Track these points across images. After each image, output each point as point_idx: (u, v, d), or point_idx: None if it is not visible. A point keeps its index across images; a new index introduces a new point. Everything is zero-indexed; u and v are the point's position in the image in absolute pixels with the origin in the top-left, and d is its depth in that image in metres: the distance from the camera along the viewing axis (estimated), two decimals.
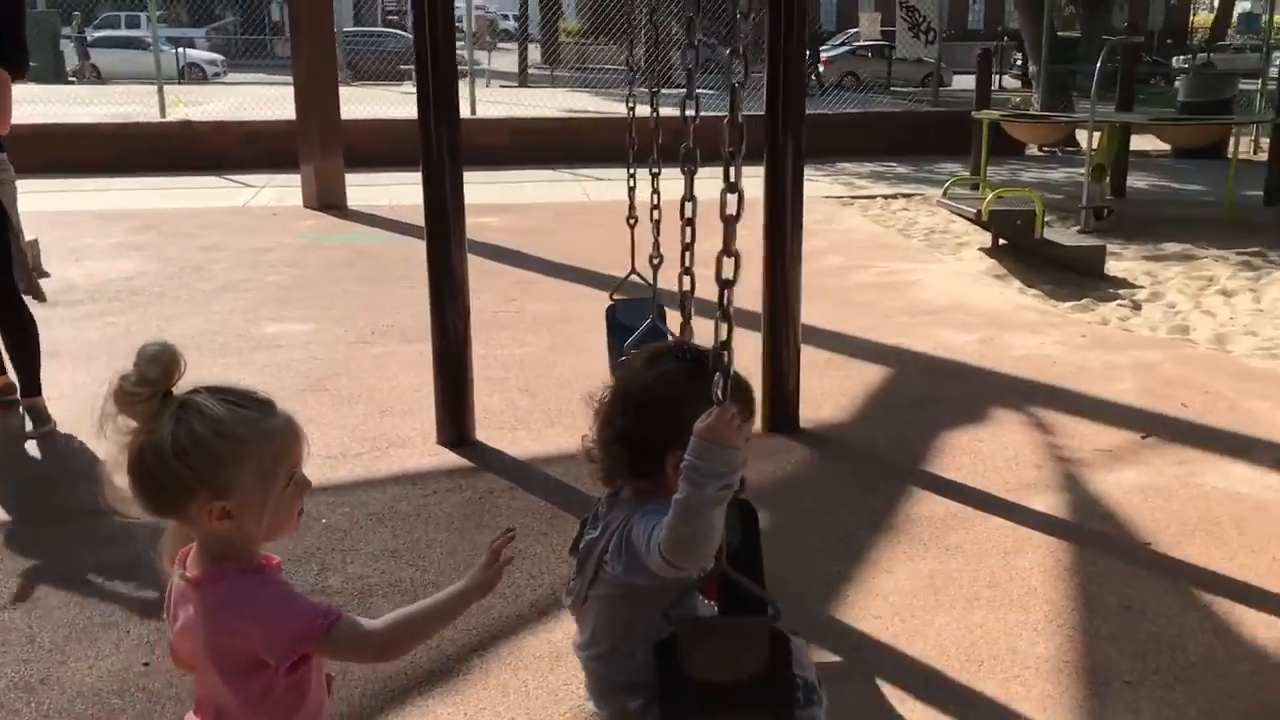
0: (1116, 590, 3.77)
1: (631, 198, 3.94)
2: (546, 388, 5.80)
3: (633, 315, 4.00)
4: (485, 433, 5.15)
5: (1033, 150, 17.16)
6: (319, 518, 4.29)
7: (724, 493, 1.80)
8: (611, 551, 2.01)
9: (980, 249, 9.87)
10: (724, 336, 1.87)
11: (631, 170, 3.93)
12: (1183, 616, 3.62)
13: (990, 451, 4.91)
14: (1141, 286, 8.91)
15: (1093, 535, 4.22)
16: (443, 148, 4.85)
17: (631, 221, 3.97)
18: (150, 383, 1.75)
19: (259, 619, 1.75)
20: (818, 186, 13.26)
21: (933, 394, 5.81)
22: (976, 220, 9.75)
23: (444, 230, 4.97)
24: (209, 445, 1.72)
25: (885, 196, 13.29)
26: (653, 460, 2.00)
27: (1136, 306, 8.28)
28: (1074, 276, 9.01)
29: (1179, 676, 3.26)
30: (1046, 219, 9.60)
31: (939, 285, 8.63)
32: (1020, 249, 9.53)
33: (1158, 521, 4.31)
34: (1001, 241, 9.73)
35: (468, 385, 5.15)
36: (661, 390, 2.02)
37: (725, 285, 1.89)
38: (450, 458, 4.94)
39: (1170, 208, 12.57)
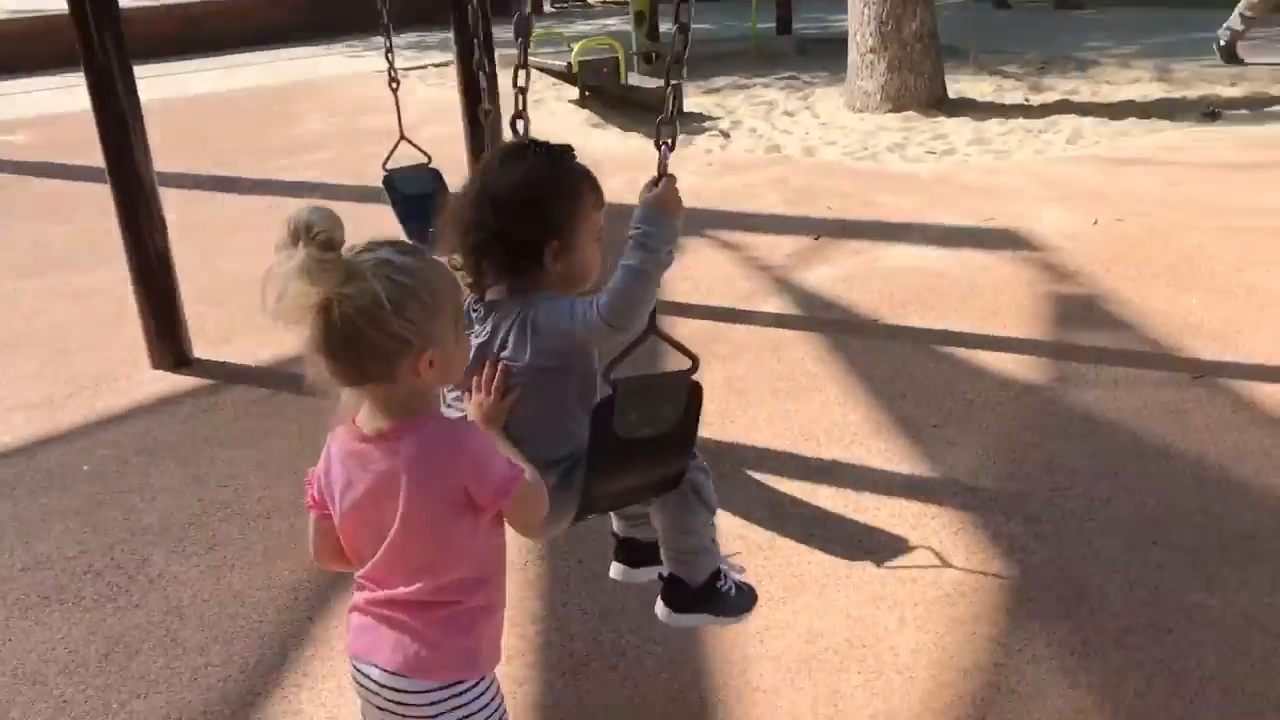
0: (879, 361, 4.34)
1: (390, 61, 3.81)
2: (230, 295, 5.34)
3: (409, 183, 3.89)
4: (199, 349, 4.74)
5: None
6: (80, 465, 3.82)
7: (670, 257, 1.99)
8: (512, 345, 2.05)
9: (570, 101, 10.19)
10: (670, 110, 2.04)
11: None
12: (939, 367, 4.26)
13: (703, 275, 5.33)
14: (719, 118, 9.72)
15: (830, 322, 4.78)
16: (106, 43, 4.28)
17: (394, 86, 3.84)
18: (339, 244, 1.60)
19: (472, 457, 1.72)
20: (360, 63, 12.90)
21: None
22: (565, 74, 10.03)
23: (123, 138, 4.42)
24: (419, 295, 1.64)
25: (436, 65, 13.14)
26: (531, 255, 2.04)
27: (726, 135, 9.06)
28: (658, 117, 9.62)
29: (967, 414, 3.87)
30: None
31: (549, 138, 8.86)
32: (608, 97, 9.96)
33: (871, 301, 4.95)
34: (587, 92, 10.10)
35: (177, 301, 4.68)
36: (532, 187, 2.05)
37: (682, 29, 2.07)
38: (180, 380, 4.51)
39: (701, 46, 13.57)
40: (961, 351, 4.40)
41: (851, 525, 3.29)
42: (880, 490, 3.45)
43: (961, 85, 10.20)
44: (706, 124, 9.46)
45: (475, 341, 2.10)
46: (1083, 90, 9.94)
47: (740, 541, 3.18)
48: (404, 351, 1.65)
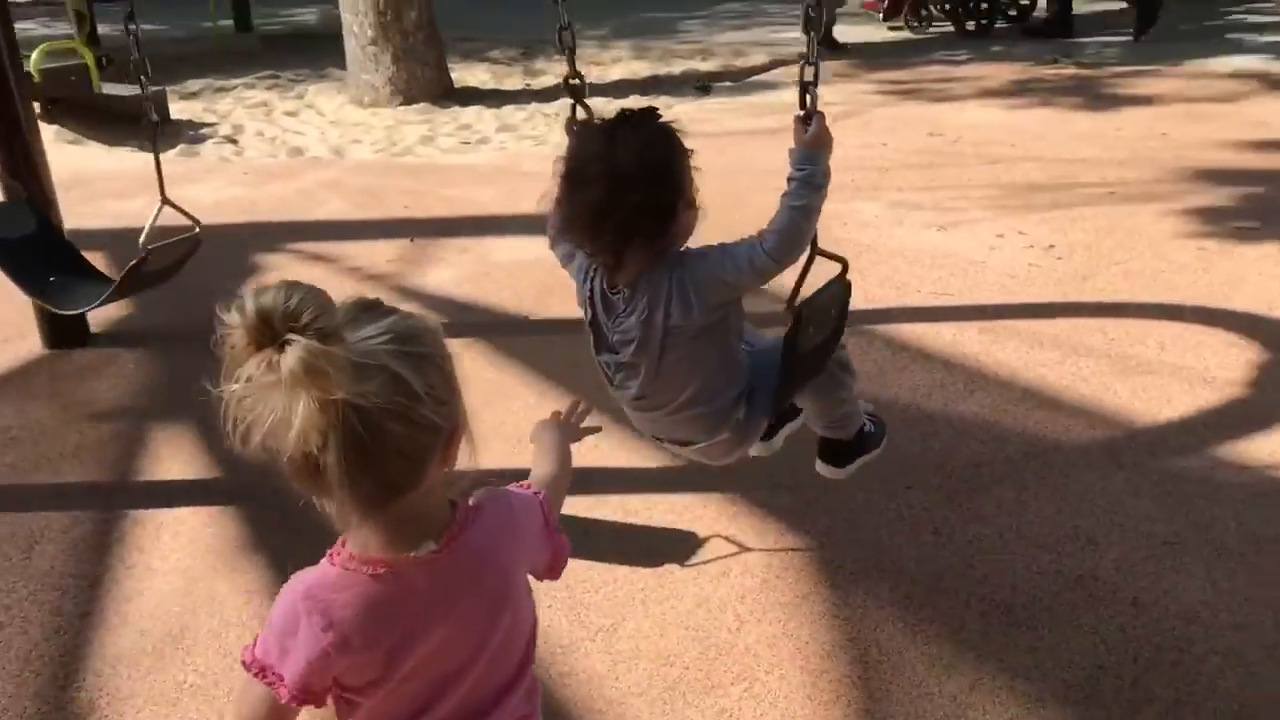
0: (553, 356, 4.16)
1: None
2: None
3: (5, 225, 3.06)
4: None
5: None
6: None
7: (827, 190, 2.17)
8: (678, 310, 2.12)
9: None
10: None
11: None
12: None
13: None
14: (215, 123, 8.85)
15: (480, 325, 4.54)
16: None
17: None
18: (336, 330, 1.16)
19: (531, 526, 1.50)
20: None
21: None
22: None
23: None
24: (439, 364, 1.28)
25: None
26: (671, 217, 2.09)
27: (235, 141, 8.26)
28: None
29: None
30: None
31: None
32: (79, 108, 8.67)
33: (508, 297, 4.78)
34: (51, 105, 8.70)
35: None
36: (658, 151, 2.08)
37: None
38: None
39: (160, 46, 12.33)
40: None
41: (633, 532, 3.10)
42: (641, 488, 3.29)
43: (459, 74, 10.15)
44: (204, 131, 8.57)
45: (620, 327, 2.18)
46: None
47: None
48: (435, 442, 1.28)
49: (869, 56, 9.87)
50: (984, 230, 5.26)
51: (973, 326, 4.26)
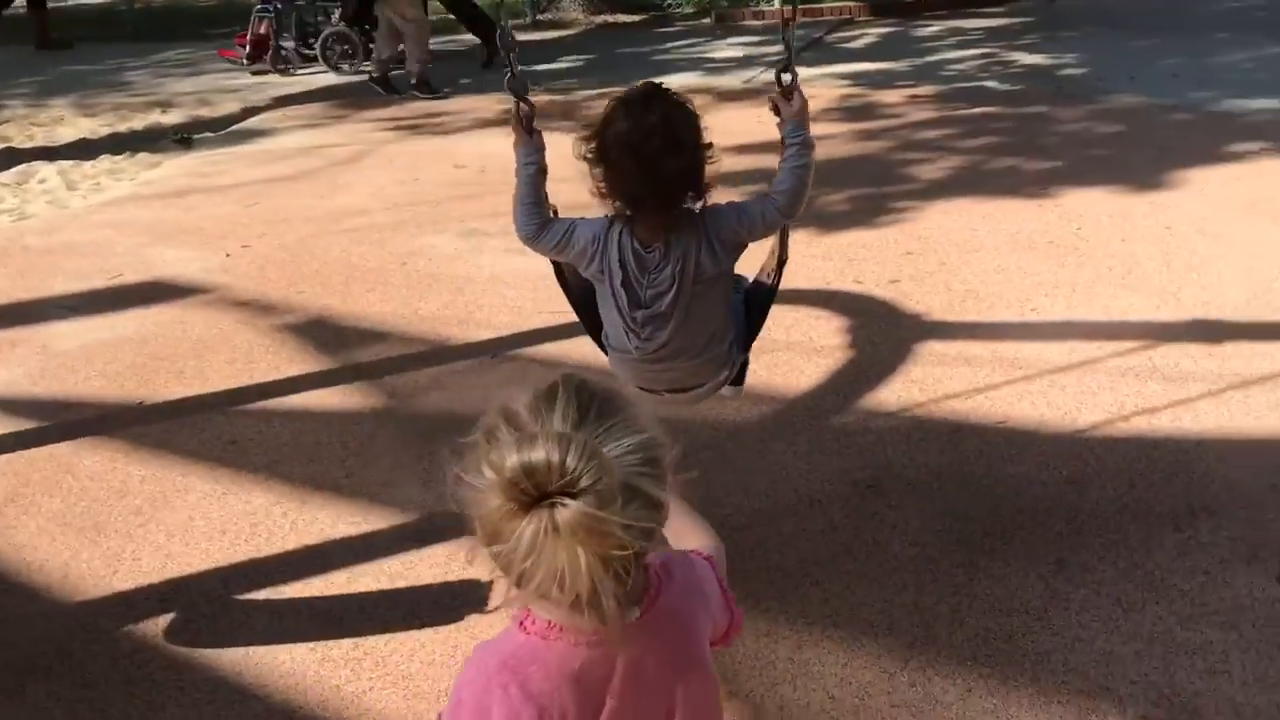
0: (199, 439, 3.79)
1: None
2: None
3: None
4: None
5: None
6: None
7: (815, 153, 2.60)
8: (709, 262, 2.48)
9: None
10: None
11: None
12: (266, 424, 3.88)
13: None
14: None
15: (84, 423, 3.96)
16: None
17: None
18: (610, 490, 1.15)
19: (707, 594, 1.46)
20: None
21: None
22: None
23: None
24: (663, 457, 1.27)
25: None
26: (704, 173, 2.44)
27: None
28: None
29: (364, 449, 3.66)
30: None
31: None
32: None
33: (108, 385, 4.21)
34: None
35: None
36: (694, 118, 2.42)
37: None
38: None
39: None
40: (275, 401, 4.04)
41: (404, 595, 2.95)
42: (395, 552, 3.12)
43: None
44: None
45: (670, 270, 2.46)
46: (14, 135, 9.10)
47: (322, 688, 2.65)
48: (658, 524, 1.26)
49: (350, 95, 9.81)
50: None
51: None
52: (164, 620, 2.89)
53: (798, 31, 11.89)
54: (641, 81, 2.51)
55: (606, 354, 2.80)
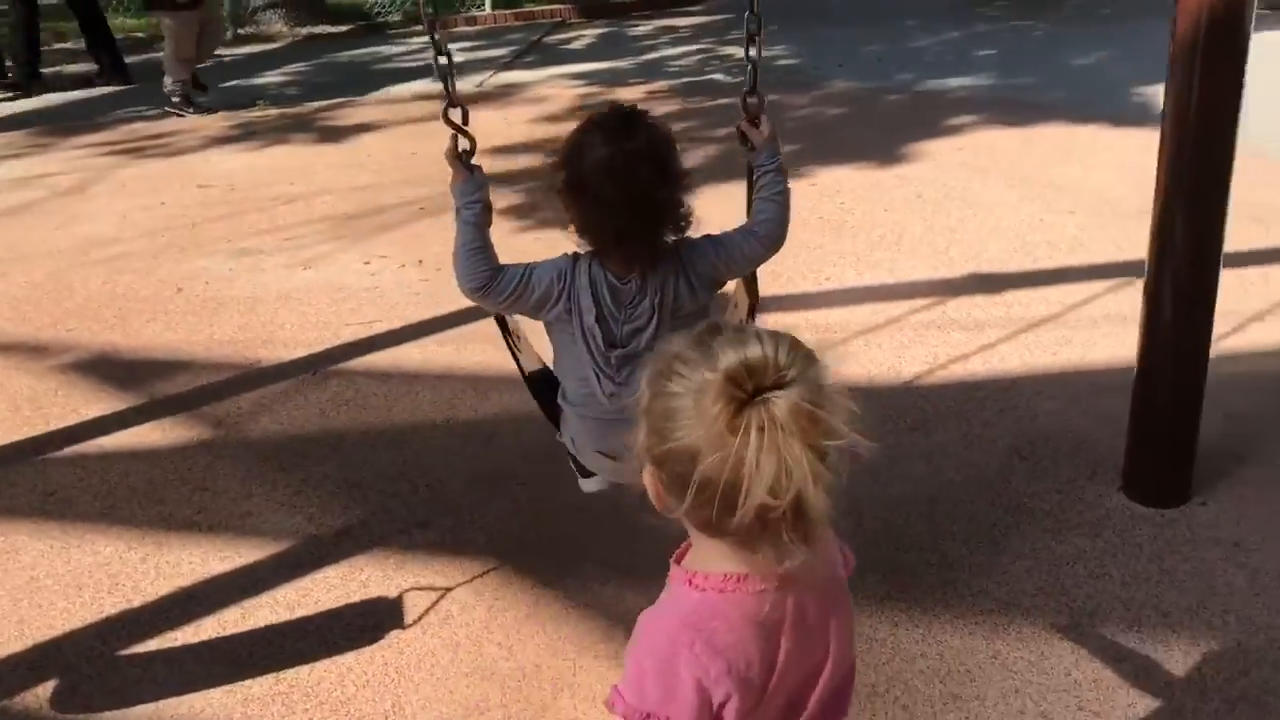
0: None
1: None
2: None
3: None
4: None
5: None
6: None
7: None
8: (686, 296, 2.26)
9: None
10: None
11: None
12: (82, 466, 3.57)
13: None
14: None
15: None
16: None
17: None
18: (818, 377, 1.23)
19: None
20: None
21: None
22: None
23: None
24: None
25: None
26: (683, 202, 2.26)
27: None
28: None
29: (208, 505, 3.42)
30: None
31: None
32: None
33: None
34: None
35: None
36: (672, 145, 2.24)
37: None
38: None
39: None
40: (87, 445, 3.70)
41: (306, 627, 2.80)
42: (266, 585, 2.97)
43: None
44: None
45: (648, 303, 2.23)
46: None
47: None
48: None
49: (52, 121, 8.99)
50: (346, 261, 5.36)
51: (431, 340, 4.42)
52: (44, 690, 2.61)
53: (513, 35, 11.94)
54: (609, 104, 2.29)
55: (557, 418, 2.50)
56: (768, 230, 2.35)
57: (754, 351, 1.16)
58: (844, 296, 4.61)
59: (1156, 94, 3.21)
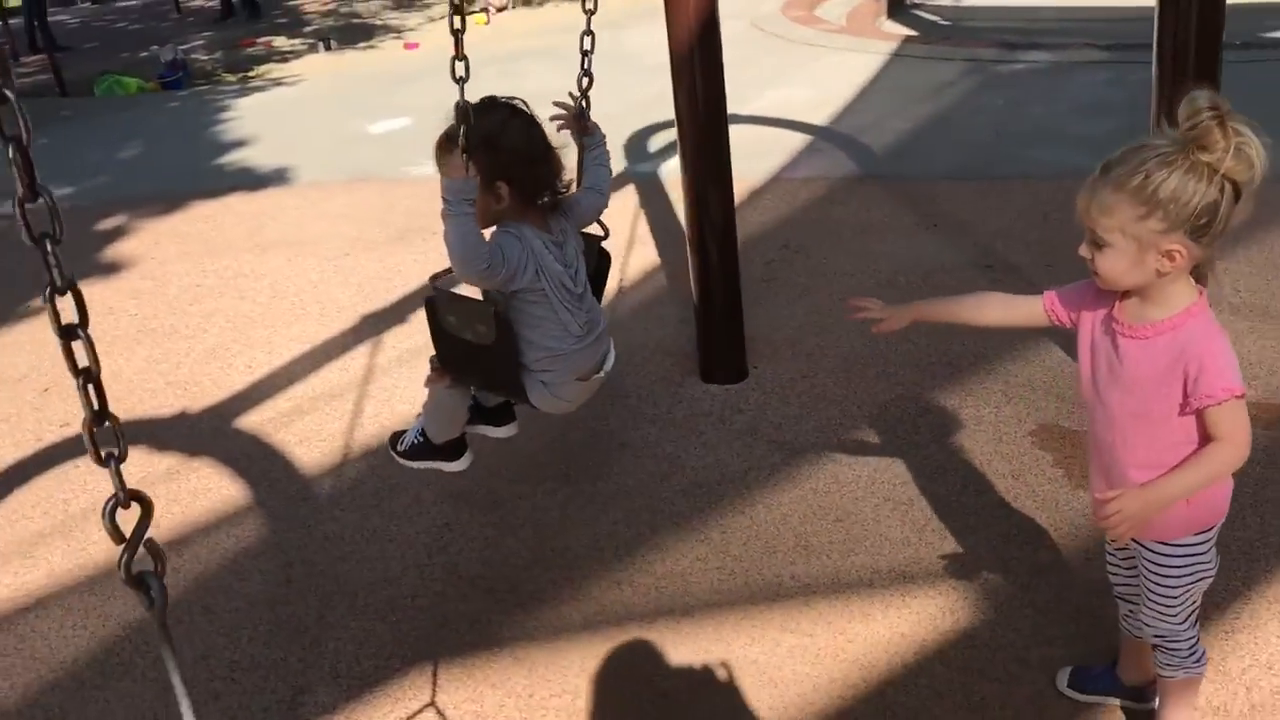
0: None
1: None
2: None
3: None
4: None
5: None
6: None
7: None
8: (575, 239, 2.72)
9: None
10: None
11: None
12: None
13: None
14: None
15: None
16: None
17: None
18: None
19: None
20: None
21: None
22: None
23: None
24: None
25: None
26: None
27: None
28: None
29: None
30: None
31: None
32: None
33: None
34: None
35: None
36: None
37: None
38: None
39: None
40: None
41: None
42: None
43: None
44: None
45: (573, 248, 2.68)
46: None
47: None
48: None
49: None
50: None
51: None
52: None
53: None
54: (481, 96, 2.52)
55: (530, 381, 2.69)
56: (606, 189, 2.88)
57: (1203, 99, 1.84)
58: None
59: None
